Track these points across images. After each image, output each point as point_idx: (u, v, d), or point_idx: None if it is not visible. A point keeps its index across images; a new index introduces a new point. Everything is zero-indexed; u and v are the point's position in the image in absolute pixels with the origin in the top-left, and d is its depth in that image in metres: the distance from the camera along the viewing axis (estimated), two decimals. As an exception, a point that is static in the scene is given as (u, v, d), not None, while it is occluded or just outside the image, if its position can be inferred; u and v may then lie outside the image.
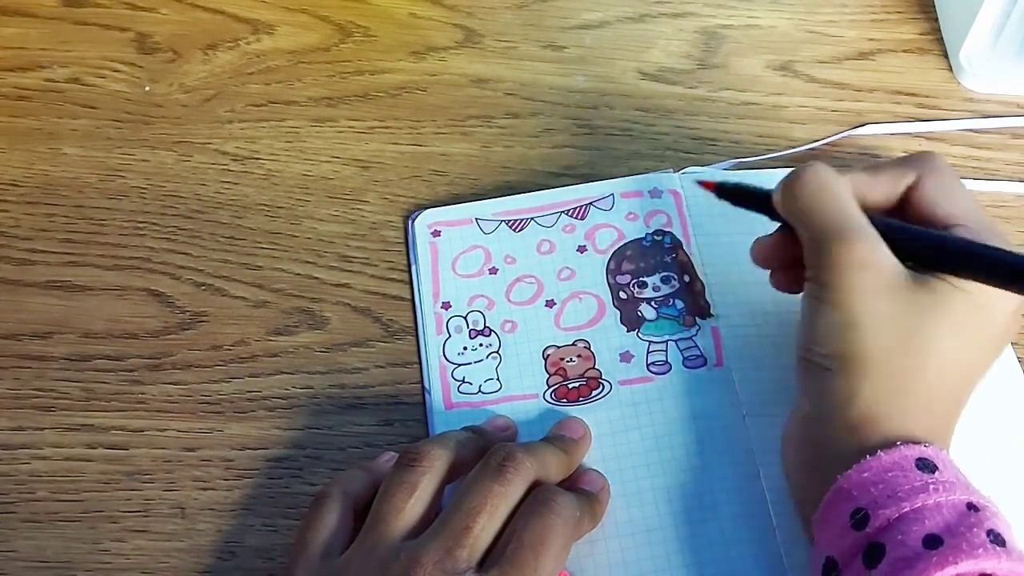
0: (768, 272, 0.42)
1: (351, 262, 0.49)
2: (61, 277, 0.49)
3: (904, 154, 0.42)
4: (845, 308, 0.36)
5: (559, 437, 0.41)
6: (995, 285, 0.35)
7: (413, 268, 0.48)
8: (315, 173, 0.52)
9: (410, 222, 0.50)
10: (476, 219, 0.49)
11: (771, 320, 0.45)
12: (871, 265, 0.36)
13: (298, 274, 0.49)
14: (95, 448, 0.44)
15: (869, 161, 0.42)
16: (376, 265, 0.49)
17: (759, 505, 0.41)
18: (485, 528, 0.36)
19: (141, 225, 0.50)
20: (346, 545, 0.37)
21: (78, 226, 0.50)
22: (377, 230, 0.50)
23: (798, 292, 0.39)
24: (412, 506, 0.37)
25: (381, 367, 0.46)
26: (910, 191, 0.39)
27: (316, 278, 0.49)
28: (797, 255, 0.39)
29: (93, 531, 0.42)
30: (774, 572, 0.39)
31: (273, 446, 0.44)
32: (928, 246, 0.37)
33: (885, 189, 0.39)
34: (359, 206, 0.51)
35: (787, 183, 0.39)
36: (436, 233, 0.49)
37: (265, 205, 0.51)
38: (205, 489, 0.43)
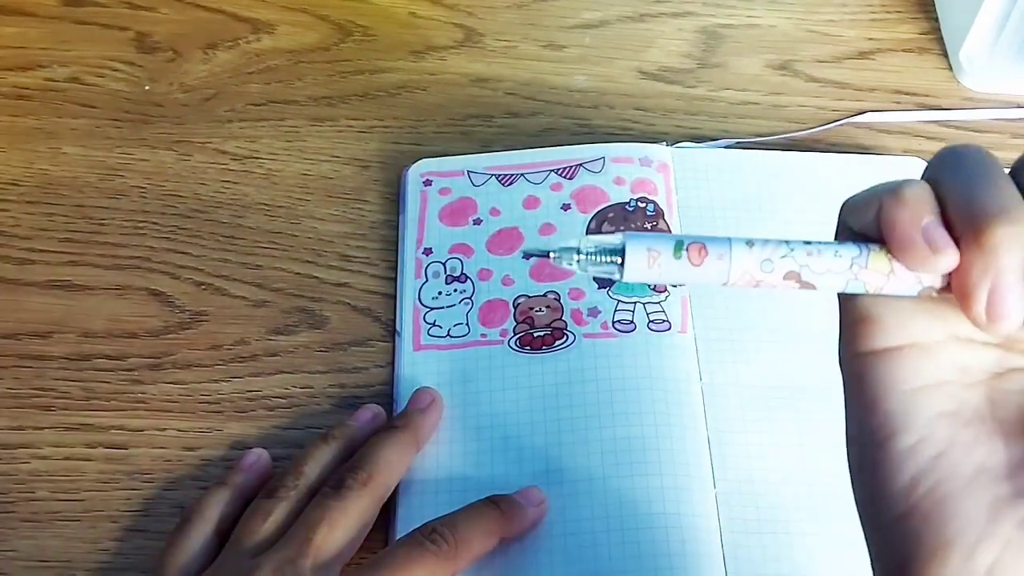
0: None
1: (351, 262, 0.49)
2: (61, 277, 0.49)
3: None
4: None
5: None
6: None
7: (401, 215, 0.49)
8: (315, 172, 0.52)
9: (404, 171, 0.51)
10: (468, 171, 0.50)
11: (741, 295, 0.46)
12: None
13: (298, 274, 0.49)
14: (95, 448, 0.44)
15: None
16: (376, 265, 0.49)
17: (704, 467, 0.41)
18: (327, 539, 0.37)
19: (141, 225, 0.50)
20: (204, 568, 0.38)
21: (78, 226, 0.50)
22: (377, 230, 0.50)
23: None
24: (266, 528, 0.38)
25: (381, 367, 0.46)
26: None
27: (316, 278, 0.49)
28: None
29: (93, 531, 0.42)
30: (711, 531, 0.40)
31: (273, 446, 0.44)
32: None
33: None
34: (359, 206, 0.51)
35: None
36: (427, 182, 0.50)
37: (265, 205, 0.51)
38: (205, 489, 0.43)
